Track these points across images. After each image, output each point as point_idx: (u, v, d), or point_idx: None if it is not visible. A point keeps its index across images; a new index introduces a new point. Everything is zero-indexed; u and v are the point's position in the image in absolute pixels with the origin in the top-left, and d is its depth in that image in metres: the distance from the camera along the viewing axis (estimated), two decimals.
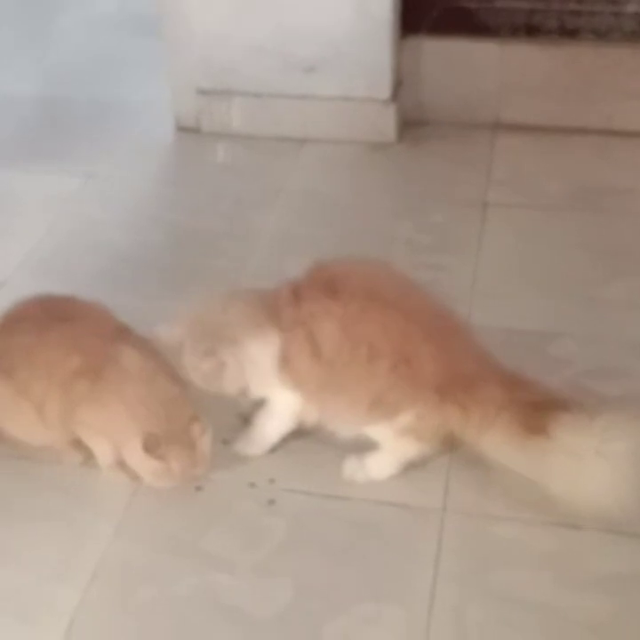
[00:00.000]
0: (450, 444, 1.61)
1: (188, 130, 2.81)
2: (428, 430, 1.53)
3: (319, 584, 1.46)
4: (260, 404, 1.65)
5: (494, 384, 1.51)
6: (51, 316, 1.60)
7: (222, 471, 1.64)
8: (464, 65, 2.71)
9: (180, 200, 2.55)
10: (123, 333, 1.62)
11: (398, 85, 2.69)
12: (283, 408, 1.62)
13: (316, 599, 1.44)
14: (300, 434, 1.66)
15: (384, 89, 2.65)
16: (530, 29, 2.65)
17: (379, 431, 1.57)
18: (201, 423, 1.54)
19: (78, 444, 1.65)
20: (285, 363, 1.54)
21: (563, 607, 1.41)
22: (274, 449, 1.68)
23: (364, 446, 1.62)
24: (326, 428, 1.60)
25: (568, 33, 2.63)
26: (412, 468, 1.62)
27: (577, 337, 1.94)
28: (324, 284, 1.52)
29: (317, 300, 1.51)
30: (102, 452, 1.63)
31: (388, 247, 2.26)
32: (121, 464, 1.63)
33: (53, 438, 1.64)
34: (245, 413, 1.69)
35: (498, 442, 1.51)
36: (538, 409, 1.49)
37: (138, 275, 2.21)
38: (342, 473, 1.62)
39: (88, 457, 1.66)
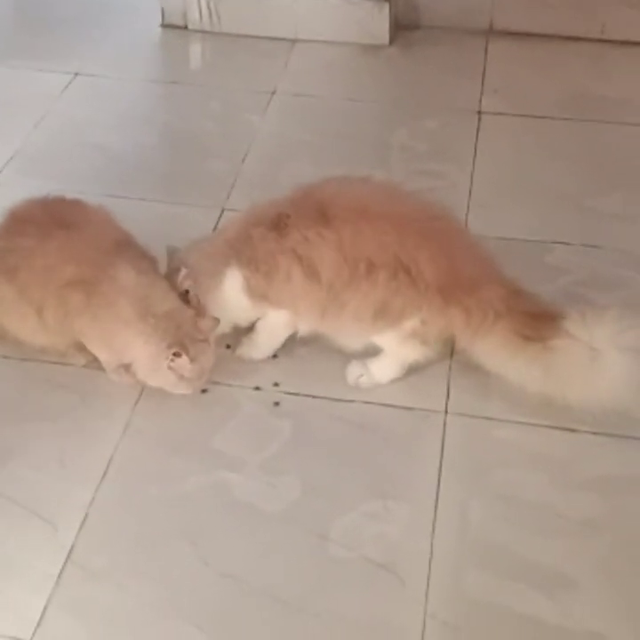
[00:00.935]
0: (450, 349, 1.65)
1: (174, 27, 2.74)
2: (432, 334, 1.56)
3: (326, 482, 1.51)
4: None
5: (495, 288, 1.54)
6: (54, 220, 1.58)
7: (227, 375, 1.66)
8: None
9: (170, 100, 2.51)
10: (122, 246, 1.60)
11: None
12: (274, 324, 1.65)
13: (324, 496, 1.48)
14: (304, 341, 1.68)
15: None
16: None
17: (384, 339, 1.59)
18: (209, 317, 1.55)
19: (81, 347, 1.66)
20: (266, 290, 1.58)
21: (557, 505, 1.47)
22: (277, 355, 1.71)
23: (367, 352, 1.65)
24: (330, 340, 1.63)
25: None
26: (413, 372, 1.66)
27: (572, 246, 1.97)
28: (314, 210, 1.53)
29: (309, 227, 1.52)
30: (104, 358, 1.64)
31: (383, 154, 2.26)
32: (126, 367, 1.64)
33: (55, 341, 1.64)
34: None
35: (494, 347, 1.54)
36: (536, 318, 1.53)
37: (131, 176, 2.19)
38: (346, 377, 1.65)
39: (91, 359, 1.67)
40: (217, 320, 1.56)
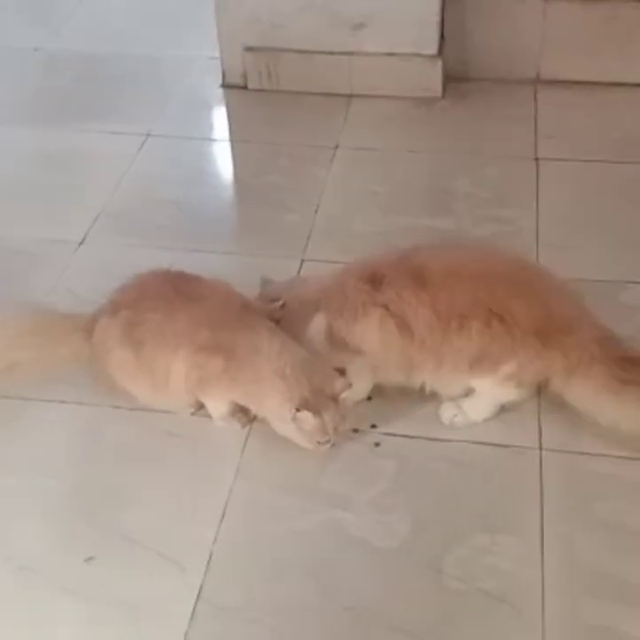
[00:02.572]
0: (539, 389, 1.73)
1: (235, 86, 2.86)
2: (529, 376, 1.65)
3: (433, 518, 1.58)
4: None
5: (589, 330, 1.63)
6: (180, 294, 1.68)
7: None
8: (506, 20, 2.77)
9: (236, 157, 2.62)
10: (247, 309, 1.70)
11: (442, 41, 2.75)
12: (360, 368, 1.72)
13: (433, 532, 1.56)
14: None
15: (431, 44, 2.71)
16: None
17: (480, 383, 1.68)
18: (342, 379, 1.62)
19: (194, 402, 1.76)
20: (345, 335, 1.68)
21: None
22: (371, 397, 1.79)
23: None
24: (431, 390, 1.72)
25: None
26: (504, 411, 1.74)
27: None
28: (410, 272, 1.63)
29: (404, 286, 1.62)
30: (218, 408, 1.73)
31: (448, 202, 2.36)
32: (232, 413, 1.73)
33: (173, 404, 1.74)
34: None
35: (591, 390, 1.62)
36: (632, 362, 1.61)
37: (209, 230, 2.29)
38: (441, 417, 1.73)
39: (198, 408, 1.77)
40: (349, 383, 1.62)
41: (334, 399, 1.58)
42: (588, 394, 1.63)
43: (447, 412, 1.73)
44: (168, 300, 1.67)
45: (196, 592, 1.48)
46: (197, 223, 2.32)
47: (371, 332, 1.67)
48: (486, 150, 2.56)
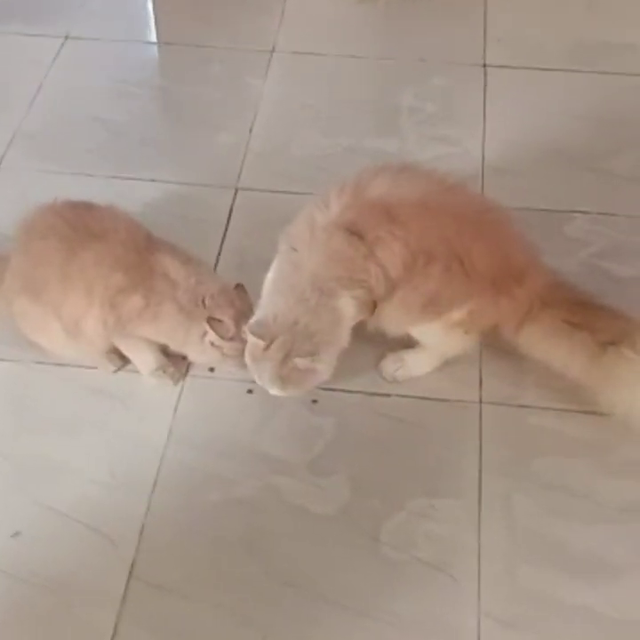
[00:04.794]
0: (481, 341, 1.68)
1: None
2: (478, 323, 1.58)
3: (372, 481, 1.55)
4: None
5: (540, 276, 1.57)
6: (78, 231, 1.55)
7: None
8: None
9: (164, 63, 2.43)
10: (151, 241, 1.59)
11: None
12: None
13: (371, 496, 1.53)
14: None
15: None
16: None
17: (427, 329, 1.60)
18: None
19: (111, 355, 1.67)
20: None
21: (597, 492, 1.54)
22: None
23: (397, 345, 1.67)
24: (371, 328, 1.63)
25: None
26: (446, 364, 1.69)
27: (589, 214, 1.98)
28: (382, 212, 1.49)
29: (380, 225, 1.49)
30: (145, 360, 1.65)
31: (393, 119, 2.22)
32: (163, 368, 1.66)
33: (87, 351, 1.65)
34: None
35: (541, 335, 1.57)
36: (581, 306, 1.57)
37: (137, 153, 2.14)
38: (382, 371, 1.67)
39: (121, 365, 1.69)
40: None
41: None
42: (538, 339, 1.58)
43: (389, 366, 1.67)
44: (65, 238, 1.54)
45: (128, 569, 1.45)
46: (121, 144, 2.16)
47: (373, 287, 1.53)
48: (433, 55, 2.40)
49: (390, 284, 1.50)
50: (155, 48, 2.48)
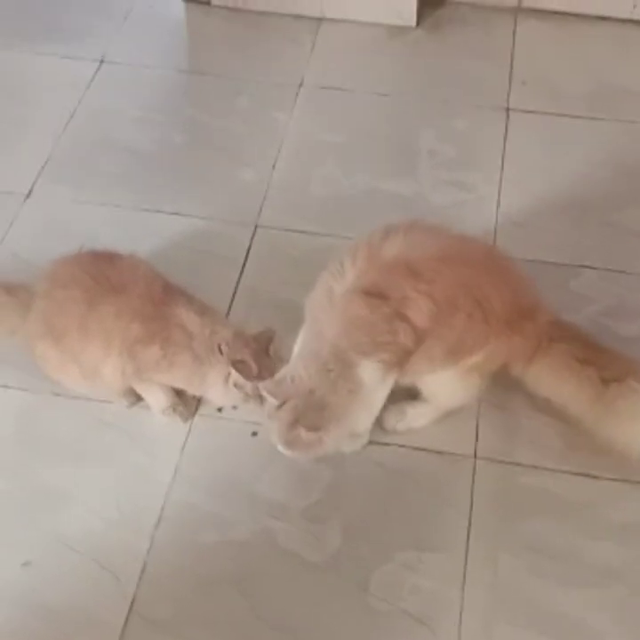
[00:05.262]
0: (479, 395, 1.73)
1: (197, 1, 2.69)
2: (492, 364, 1.63)
3: (364, 530, 1.62)
4: None
5: (545, 314, 1.64)
6: (99, 283, 1.63)
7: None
8: None
9: (194, 91, 2.49)
10: (169, 292, 1.67)
11: None
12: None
13: (362, 545, 1.60)
14: None
15: None
16: None
17: (442, 376, 1.63)
18: (268, 331, 1.64)
19: (127, 393, 1.76)
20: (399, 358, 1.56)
21: (581, 554, 1.59)
22: None
23: (398, 396, 1.72)
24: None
25: None
26: (445, 414, 1.75)
27: (598, 270, 2.02)
28: (403, 270, 1.54)
29: (404, 283, 1.53)
30: (158, 399, 1.73)
31: (411, 160, 2.27)
32: (173, 407, 1.74)
33: (103, 390, 1.73)
34: None
35: (549, 370, 1.63)
36: (586, 344, 1.64)
37: (160, 183, 2.22)
38: (384, 422, 1.73)
39: (135, 401, 1.78)
40: (273, 331, 1.64)
41: (268, 355, 1.63)
42: (547, 374, 1.64)
43: (391, 417, 1.73)
44: (86, 290, 1.62)
45: (129, 603, 1.53)
46: (147, 174, 2.24)
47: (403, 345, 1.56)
48: (457, 96, 2.44)
49: (418, 338, 1.55)
50: (186, 77, 2.55)
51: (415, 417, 1.73)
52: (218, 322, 1.66)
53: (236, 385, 1.63)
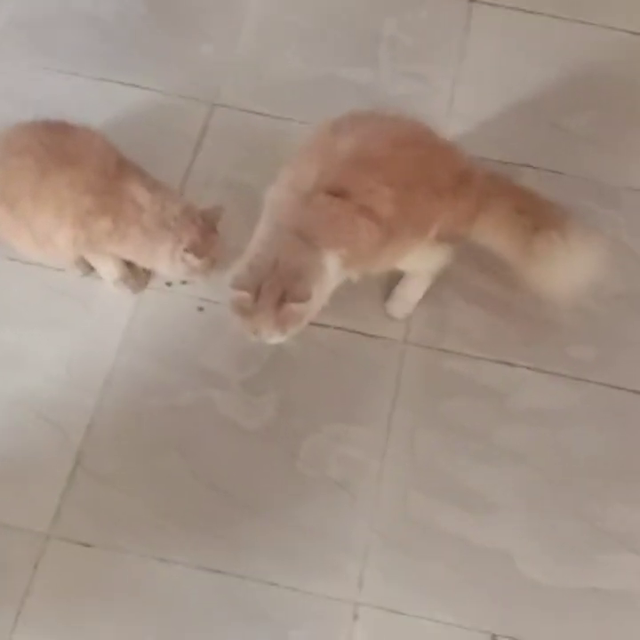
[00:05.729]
0: None
1: None
2: (449, 231, 1.71)
3: (298, 404, 1.76)
4: None
5: (479, 174, 1.73)
6: (52, 154, 1.67)
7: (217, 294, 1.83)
8: None
9: None
10: (123, 166, 1.72)
11: None
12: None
13: (295, 417, 1.74)
14: None
15: None
16: None
17: (415, 255, 1.73)
18: (216, 209, 1.73)
19: (79, 263, 1.83)
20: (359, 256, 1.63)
21: (492, 435, 1.75)
22: None
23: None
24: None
25: None
26: (381, 303, 1.86)
27: (538, 170, 2.10)
28: (359, 166, 1.60)
29: (363, 179, 1.59)
30: (110, 270, 1.82)
31: (372, 48, 2.28)
32: (124, 279, 1.83)
33: (56, 257, 1.80)
34: None
35: (493, 225, 1.74)
36: (520, 192, 1.76)
37: (121, 54, 2.22)
38: (393, 314, 1.85)
39: (88, 271, 1.86)
40: (222, 208, 1.73)
41: (215, 230, 1.72)
42: (489, 227, 1.74)
43: (396, 308, 1.86)
44: (39, 159, 1.67)
45: (75, 456, 1.66)
46: (108, 45, 2.23)
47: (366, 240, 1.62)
48: None
49: (386, 229, 1.61)
50: None
51: (413, 294, 1.84)
52: (169, 197, 1.73)
53: (182, 260, 1.71)
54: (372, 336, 1.85)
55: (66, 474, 1.64)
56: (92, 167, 1.68)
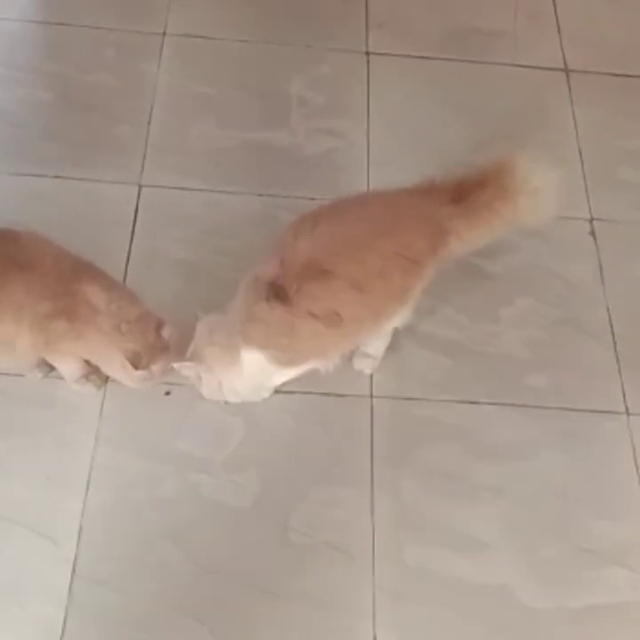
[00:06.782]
0: None
1: None
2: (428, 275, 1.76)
3: (280, 474, 1.79)
4: None
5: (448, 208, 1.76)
6: (6, 262, 1.66)
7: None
8: None
9: (57, 45, 2.45)
10: (77, 269, 1.72)
11: None
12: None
13: (280, 488, 1.77)
14: None
15: None
16: None
17: (399, 316, 1.78)
18: (168, 325, 1.73)
19: (41, 363, 1.82)
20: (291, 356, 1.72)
21: (469, 473, 1.82)
22: None
23: None
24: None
25: None
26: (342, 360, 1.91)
27: None
28: (314, 272, 1.63)
29: (314, 288, 1.63)
30: (70, 370, 1.81)
31: (283, 110, 2.36)
32: (86, 376, 1.82)
33: (18, 364, 1.79)
34: None
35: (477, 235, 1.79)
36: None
37: (32, 146, 2.20)
38: (362, 369, 1.91)
39: (48, 371, 1.84)
40: (177, 328, 1.74)
41: (165, 348, 1.72)
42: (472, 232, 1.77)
43: (362, 364, 1.91)
44: None
45: (71, 566, 1.64)
46: (22, 137, 2.22)
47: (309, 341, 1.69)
48: (319, 40, 2.52)
49: (354, 323, 1.68)
50: (45, 29, 2.49)
51: (380, 348, 1.89)
52: (127, 299, 1.73)
53: (125, 367, 1.71)
54: (339, 395, 1.90)
55: (65, 586, 1.62)
56: (47, 271, 1.68)
